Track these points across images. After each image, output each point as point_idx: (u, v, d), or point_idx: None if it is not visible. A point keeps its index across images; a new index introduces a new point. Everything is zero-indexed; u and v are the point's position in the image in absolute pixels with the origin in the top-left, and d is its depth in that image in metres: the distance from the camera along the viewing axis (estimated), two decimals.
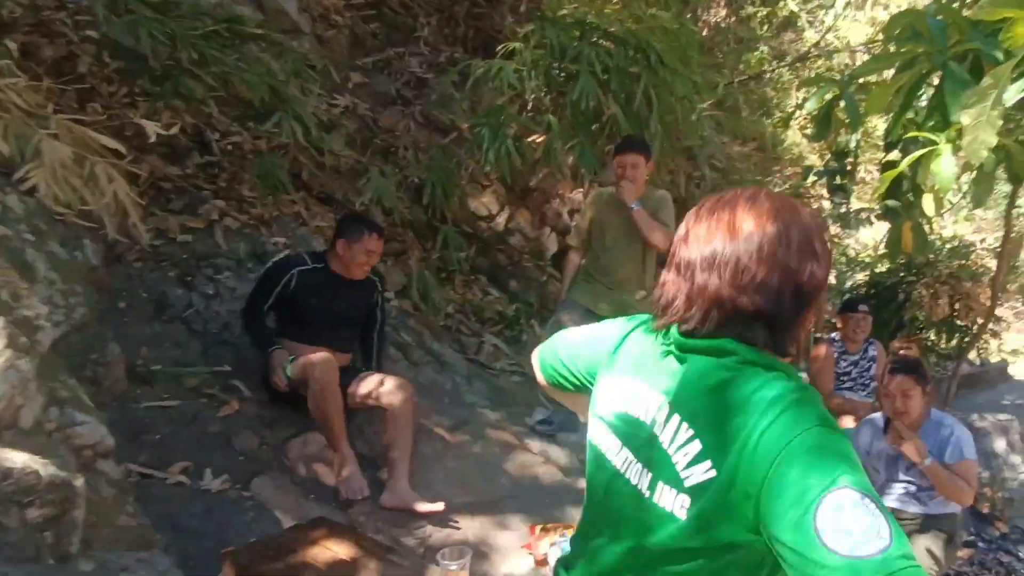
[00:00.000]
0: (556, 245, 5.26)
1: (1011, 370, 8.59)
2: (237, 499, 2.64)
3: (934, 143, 1.90)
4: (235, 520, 2.54)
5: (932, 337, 5.91)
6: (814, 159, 8.27)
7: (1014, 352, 9.12)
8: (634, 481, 0.98)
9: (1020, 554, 4.92)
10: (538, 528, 2.84)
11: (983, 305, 6.21)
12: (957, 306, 5.78)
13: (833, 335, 4.39)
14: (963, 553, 4.59)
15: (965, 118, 1.69)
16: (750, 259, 0.91)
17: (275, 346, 2.89)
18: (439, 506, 2.74)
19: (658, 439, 0.95)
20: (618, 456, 1.02)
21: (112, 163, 2.30)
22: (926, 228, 6.20)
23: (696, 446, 0.90)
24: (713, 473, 0.87)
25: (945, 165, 1.84)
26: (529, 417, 4.07)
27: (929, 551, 2.73)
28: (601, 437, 1.07)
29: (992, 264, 9.51)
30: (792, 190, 7.05)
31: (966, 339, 5.63)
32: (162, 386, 2.95)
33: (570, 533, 2.78)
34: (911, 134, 2.07)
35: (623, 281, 3.81)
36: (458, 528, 2.81)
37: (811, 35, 8.22)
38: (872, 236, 7.51)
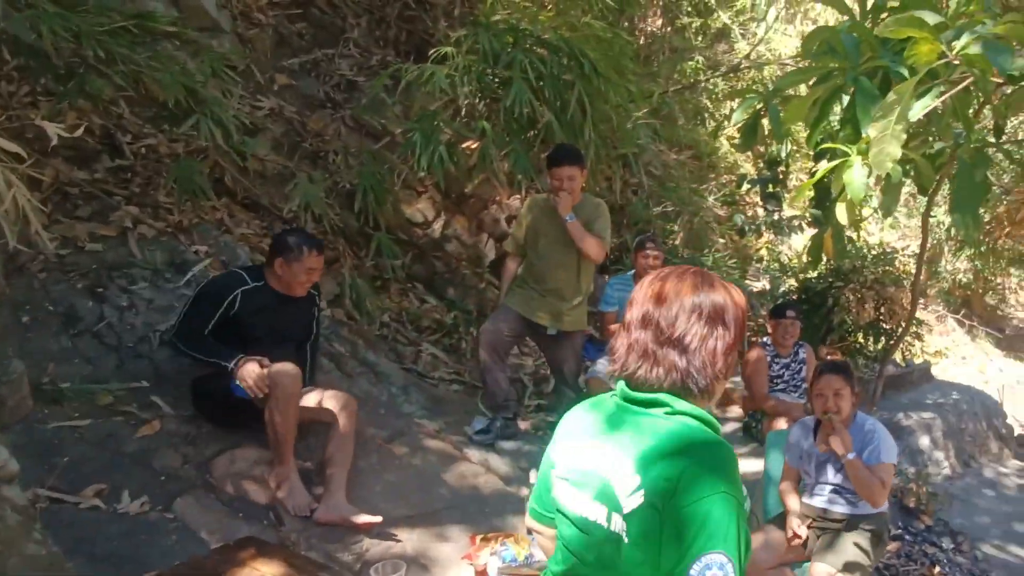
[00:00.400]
0: (494, 252, 5.23)
1: (934, 371, 9.05)
2: (158, 521, 2.54)
3: (847, 154, 1.95)
4: (157, 544, 2.45)
5: (860, 340, 6.10)
6: (748, 168, 8.48)
7: (937, 353, 9.59)
8: (592, 517, 1.22)
9: (943, 545, 5.12)
10: (478, 538, 2.83)
11: (905, 309, 6.47)
12: (883, 310, 5.98)
13: (764, 339, 4.48)
14: (891, 546, 4.69)
15: (872, 131, 1.76)
16: (668, 323, 1.20)
17: (240, 356, 2.73)
18: (376, 519, 2.69)
19: (602, 475, 1.20)
20: (580, 503, 1.25)
21: (11, 167, 2.16)
22: (853, 236, 6.47)
23: (636, 481, 1.14)
24: (641, 499, 1.12)
25: (856, 175, 1.91)
26: (468, 427, 4.02)
27: (858, 545, 2.81)
28: (562, 494, 1.30)
29: (913, 270, 9.95)
30: (726, 197, 7.20)
31: (890, 341, 5.84)
32: (72, 405, 2.83)
33: (511, 542, 2.81)
34: (825, 145, 2.14)
35: (558, 288, 3.84)
36: (397, 541, 2.77)
37: (743, 47, 8.44)
38: (804, 242, 7.77)
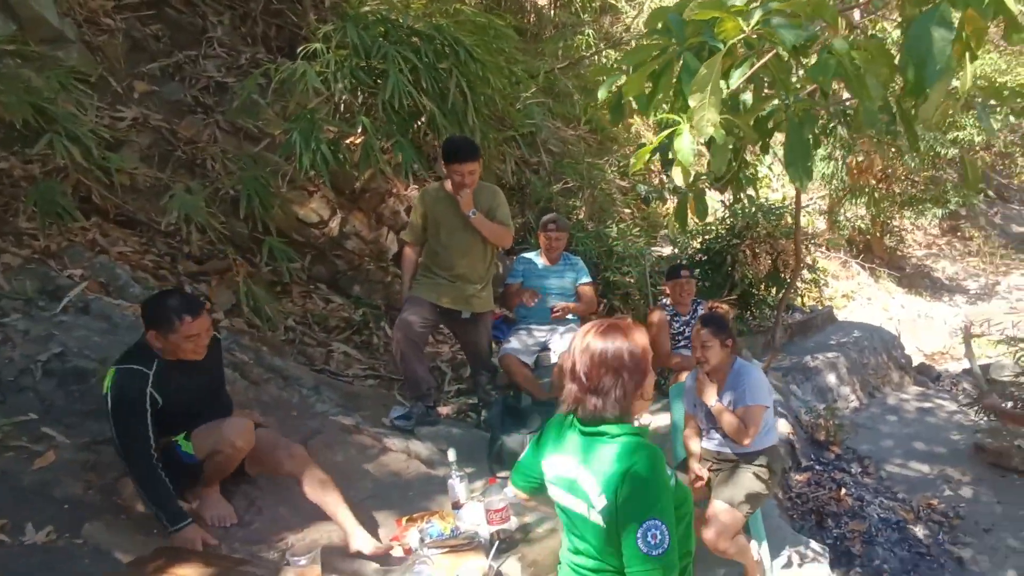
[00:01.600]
0: (396, 245, 5.23)
1: (842, 314, 9.62)
2: (68, 547, 2.52)
3: (678, 123, 2.09)
4: (70, 569, 2.43)
5: (760, 291, 6.37)
6: (650, 136, 8.65)
7: (844, 296, 10.11)
8: (576, 509, 1.78)
9: (851, 470, 5.57)
10: (404, 520, 2.99)
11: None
12: (779, 262, 6.24)
13: (664, 300, 4.71)
14: (801, 477, 5.24)
15: (692, 101, 1.94)
16: (585, 375, 1.73)
17: (186, 522, 2.56)
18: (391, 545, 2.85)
19: (578, 483, 1.75)
20: (567, 500, 1.81)
21: None
22: (752, 194, 6.71)
23: (599, 489, 1.69)
24: (606, 501, 1.68)
25: (684, 142, 2.06)
26: (386, 417, 4.05)
27: (756, 476, 3.05)
28: (554, 492, 1.86)
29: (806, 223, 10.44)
30: (624, 168, 7.35)
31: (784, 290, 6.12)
32: None
33: (436, 519, 3.01)
34: (660, 115, 2.32)
35: (464, 274, 3.95)
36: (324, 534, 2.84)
37: (630, 18, 8.56)
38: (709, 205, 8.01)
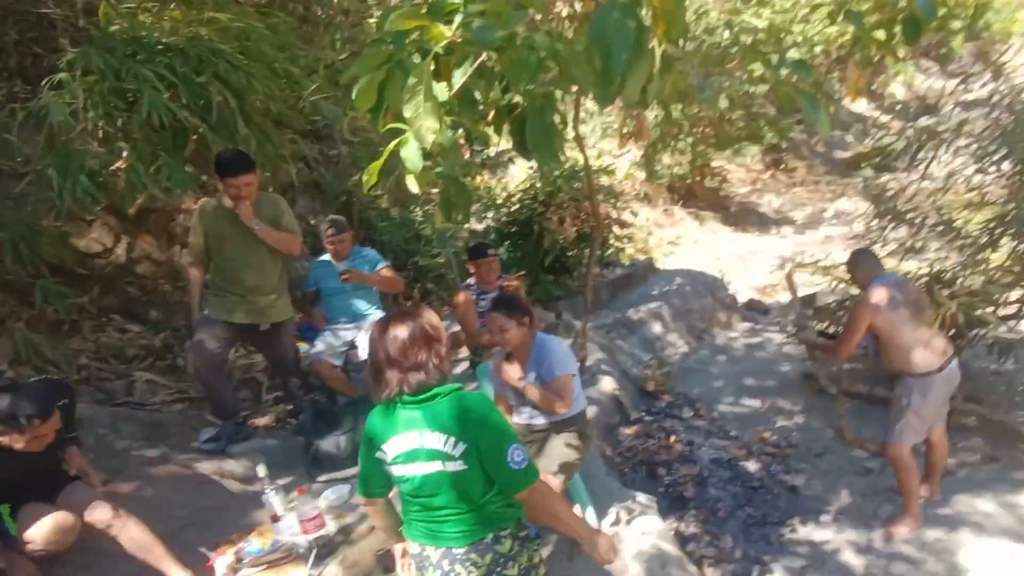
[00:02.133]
0: None
1: (670, 262, 10.01)
2: None
3: (403, 131, 2.15)
4: None
5: (572, 255, 6.85)
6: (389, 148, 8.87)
7: (670, 243, 10.83)
8: (429, 471, 2.09)
9: (683, 416, 5.77)
10: (223, 542, 3.14)
11: (610, 218, 7.32)
12: (586, 225, 6.73)
13: (469, 281, 4.93)
14: (630, 430, 5.41)
15: (407, 111, 2.02)
16: (400, 352, 2.08)
17: None
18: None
19: (425, 447, 2.07)
20: (415, 468, 2.11)
21: None
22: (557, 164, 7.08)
23: (454, 438, 2.04)
24: (464, 445, 2.04)
25: (411, 151, 2.13)
26: (195, 440, 4.14)
27: (569, 444, 3.26)
28: (401, 469, 2.14)
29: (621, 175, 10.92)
30: (365, 187, 7.52)
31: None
32: None
33: (254, 536, 3.14)
34: (389, 126, 2.27)
35: (255, 286, 4.05)
36: None
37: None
38: (519, 175, 8.41)
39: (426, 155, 2.20)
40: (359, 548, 3.11)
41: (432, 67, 2.06)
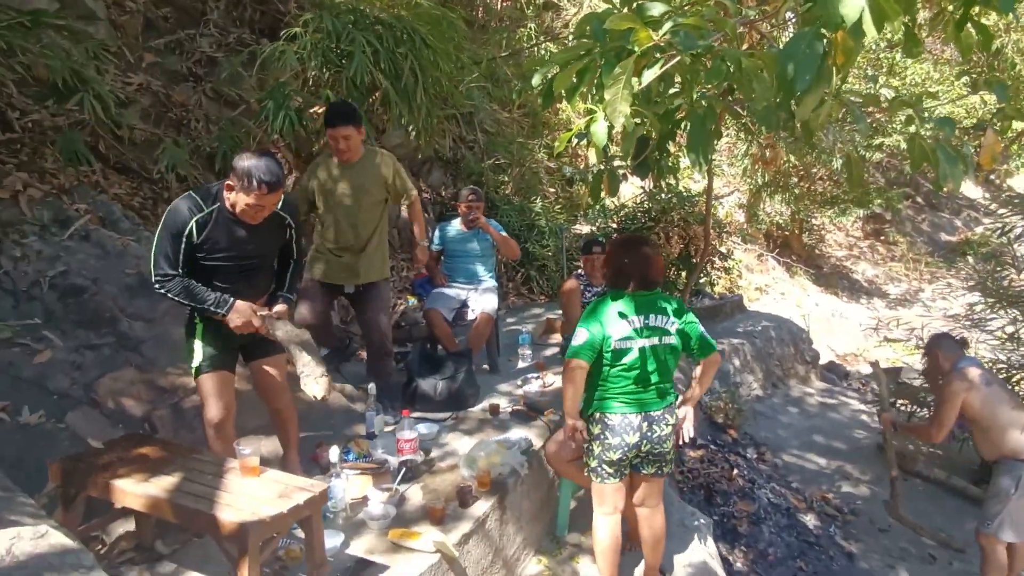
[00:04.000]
0: None
1: (755, 307, 10.29)
2: (53, 430, 3.25)
3: (594, 111, 2.64)
4: (53, 448, 3.13)
5: (671, 273, 7.66)
6: (581, 123, 9.93)
7: (758, 290, 11.43)
8: (652, 343, 3.24)
9: (746, 455, 6.06)
10: (325, 443, 3.70)
11: (710, 245, 8.09)
12: (691, 247, 7.53)
13: (580, 272, 5.66)
14: (695, 453, 5.83)
15: (607, 94, 2.44)
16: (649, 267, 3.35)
17: (232, 301, 3.00)
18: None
19: (652, 324, 3.24)
20: (646, 341, 3.22)
21: None
22: (672, 182, 7.97)
23: (674, 320, 3.29)
24: (678, 323, 3.31)
25: (599, 128, 2.58)
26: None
27: None
28: (634, 343, 3.20)
29: (721, 213, 11.62)
30: (548, 150, 8.56)
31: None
32: None
33: (352, 445, 3.72)
34: (582, 106, 2.84)
35: (351, 245, 4.23)
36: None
37: (570, 14, 9.92)
38: (630, 190, 9.35)
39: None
40: (439, 479, 3.55)
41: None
